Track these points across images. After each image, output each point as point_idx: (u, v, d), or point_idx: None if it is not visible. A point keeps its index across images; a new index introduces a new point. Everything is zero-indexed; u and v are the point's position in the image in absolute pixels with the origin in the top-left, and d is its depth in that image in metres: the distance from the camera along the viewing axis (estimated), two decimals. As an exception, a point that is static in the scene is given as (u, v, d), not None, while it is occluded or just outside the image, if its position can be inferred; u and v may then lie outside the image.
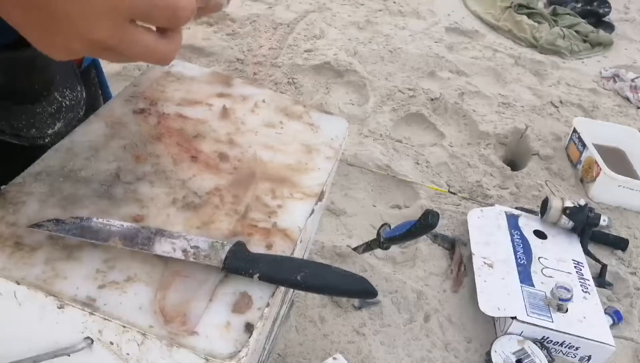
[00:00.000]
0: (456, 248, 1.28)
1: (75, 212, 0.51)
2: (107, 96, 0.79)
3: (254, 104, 0.71)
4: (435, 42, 2.26)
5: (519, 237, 1.26)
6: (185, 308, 0.44)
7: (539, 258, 1.21)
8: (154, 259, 0.48)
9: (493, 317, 1.09)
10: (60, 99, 0.61)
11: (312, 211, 0.58)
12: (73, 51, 0.35)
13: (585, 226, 1.28)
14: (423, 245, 1.27)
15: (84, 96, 0.66)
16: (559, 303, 1.07)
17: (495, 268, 1.16)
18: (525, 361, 0.99)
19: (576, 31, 2.47)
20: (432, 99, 1.84)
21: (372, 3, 2.51)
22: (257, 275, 0.47)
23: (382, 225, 1.01)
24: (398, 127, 1.73)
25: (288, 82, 1.82)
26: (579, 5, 2.66)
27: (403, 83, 1.91)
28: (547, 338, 1.04)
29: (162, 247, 0.48)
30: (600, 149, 1.58)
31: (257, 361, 0.61)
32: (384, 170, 1.49)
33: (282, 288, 0.52)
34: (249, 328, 0.44)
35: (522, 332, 1.04)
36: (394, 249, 1.23)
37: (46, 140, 0.60)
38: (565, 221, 1.28)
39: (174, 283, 0.46)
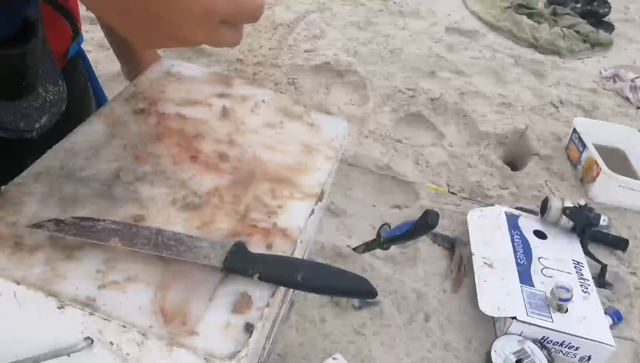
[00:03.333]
0: (456, 248, 1.28)
1: (75, 212, 0.51)
2: (94, 84, 0.80)
3: (254, 104, 0.71)
4: (435, 42, 2.26)
5: (518, 237, 1.26)
6: (185, 308, 0.44)
7: (539, 258, 1.21)
8: (154, 259, 0.48)
9: (493, 317, 1.09)
10: (44, 94, 0.64)
11: (312, 211, 0.58)
12: (165, 46, 0.41)
13: (585, 226, 1.28)
14: (423, 245, 1.27)
15: (65, 90, 0.67)
16: (558, 303, 1.07)
17: (495, 268, 1.16)
18: (525, 361, 0.99)
19: (576, 31, 2.47)
20: (432, 99, 1.84)
21: (372, 3, 2.51)
22: (257, 275, 0.47)
23: (382, 225, 1.01)
24: (398, 127, 1.73)
25: (288, 82, 1.82)
26: (579, 5, 2.66)
27: (403, 83, 1.91)
28: (547, 338, 1.04)
29: (162, 247, 0.48)
30: (600, 149, 1.58)
31: (257, 361, 0.61)
32: (384, 170, 1.49)
33: (282, 288, 0.52)
34: (248, 328, 0.44)
35: (522, 332, 1.04)
36: (394, 249, 1.23)
37: (33, 133, 0.62)
38: (565, 221, 1.28)
39: (174, 283, 0.46)
